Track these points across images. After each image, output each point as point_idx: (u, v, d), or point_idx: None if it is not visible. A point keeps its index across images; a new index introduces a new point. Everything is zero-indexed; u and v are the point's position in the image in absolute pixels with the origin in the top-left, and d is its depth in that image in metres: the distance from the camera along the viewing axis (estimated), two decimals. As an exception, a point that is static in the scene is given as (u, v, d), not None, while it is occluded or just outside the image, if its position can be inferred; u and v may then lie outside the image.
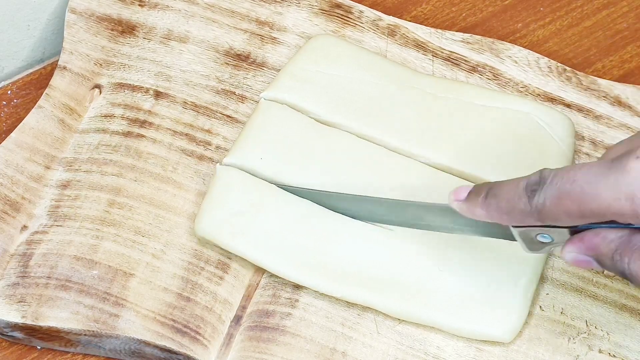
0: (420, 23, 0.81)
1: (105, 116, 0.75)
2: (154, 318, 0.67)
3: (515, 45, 0.78)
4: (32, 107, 0.76)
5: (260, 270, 0.69)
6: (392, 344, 0.66)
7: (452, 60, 0.77)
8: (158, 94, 0.76)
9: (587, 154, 0.73)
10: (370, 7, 0.79)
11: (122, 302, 0.68)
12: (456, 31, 0.80)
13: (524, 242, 0.60)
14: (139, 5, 0.79)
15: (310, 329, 0.67)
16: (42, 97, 0.75)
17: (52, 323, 0.67)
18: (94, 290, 0.68)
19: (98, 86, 0.76)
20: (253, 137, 0.71)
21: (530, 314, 0.67)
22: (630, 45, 0.81)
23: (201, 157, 0.73)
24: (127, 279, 0.69)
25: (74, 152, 0.74)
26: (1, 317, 0.67)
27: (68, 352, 0.70)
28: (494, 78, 0.76)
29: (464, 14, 0.82)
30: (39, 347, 0.70)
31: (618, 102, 0.75)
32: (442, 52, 0.77)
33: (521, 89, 0.76)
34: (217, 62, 0.77)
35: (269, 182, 0.70)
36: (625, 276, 0.56)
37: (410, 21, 0.80)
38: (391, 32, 0.78)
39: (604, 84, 0.76)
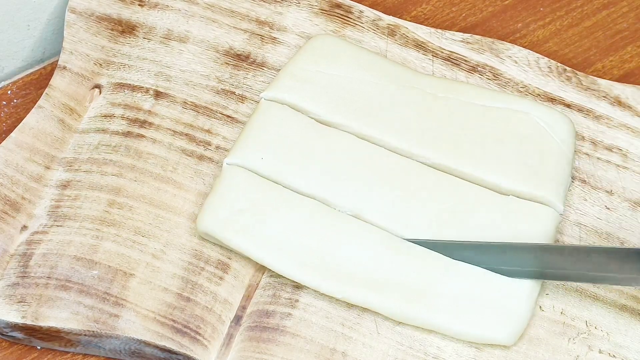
0: (420, 23, 0.81)
1: (105, 116, 0.75)
2: (154, 318, 0.67)
3: (515, 45, 0.78)
4: (32, 107, 0.76)
5: (260, 271, 0.69)
6: (392, 344, 0.66)
7: (452, 60, 0.77)
8: (158, 94, 0.76)
9: (587, 154, 0.73)
10: (370, 7, 0.79)
11: (122, 302, 0.68)
12: (456, 31, 0.80)
13: None
14: (139, 5, 0.79)
15: (310, 329, 0.67)
16: (42, 97, 0.75)
17: (52, 323, 0.67)
18: (94, 291, 0.68)
19: (98, 86, 0.76)
20: (253, 137, 0.71)
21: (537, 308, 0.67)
22: (630, 45, 0.81)
23: (201, 157, 0.73)
24: (127, 279, 0.69)
25: (74, 152, 0.74)
26: (1, 317, 0.67)
27: (68, 352, 0.70)
28: (494, 78, 0.76)
29: (464, 14, 0.82)
30: (39, 347, 0.70)
31: (618, 102, 0.75)
32: (442, 52, 0.77)
33: (521, 89, 0.76)
34: (217, 62, 0.77)
35: (274, 181, 0.70)
36: None
37: (410, 21, 0.80)
38: (391, 32, 0.78)
39: (604, 84, 0.76)
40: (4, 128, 0.78)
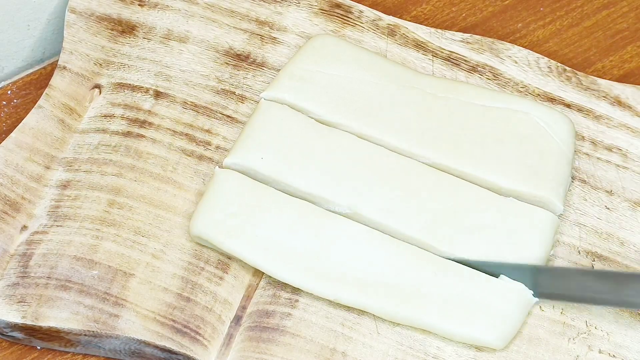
0: (420, 23, 0.81)
1: (105, 116, 0.75)
2: (154, 318, 0.67)
3: (515, 45, 0.78)
4: (32, 107, 0.76)
5: (260, 271, 0.69)
6: (392, 344, 0.66)
7: (452, 60, 0.77)
8: (158, 94, 0.76)
9: (587, 154, 0.73)
10: (370, 7, 0.79)
11: (122, 302, 0.68)
12: (456, 31, 0.80)
13: None
14: (139, 5, 0.79)
15: (310, 329, 0.67)
16: (42, 97, 0.75)
17: (52, 323, 0.67)
18: (94, 291, 0.68)
19: (98, 86, 0.76)
20: (253, 137, 0.71)
21: (529, 313, 0.67)
22: (630, 45, 0.81)
23: (201, 157, 0.73)
24: (127, 279, 0.69)
25: (74, 152, 0.73)
26: (1, 317, 0.67)
27: (68, 352, 0.70)
28: (494, 78, 0.76)
29: (464, 14, 0.82)
30: (39, 347, 0.70)
31: (618, 102, 0.75)
32: (442, 52, 0.77)
33: (521, 89, 0.76)
34: (217, 62, 0.77)
35: (270, 181, 0.70)
36: None
37: (410, 21, 0.80)
38: (391, 32, 0.78)
39: (604, 84, 0.76)
40: (4, 128, 0.78)
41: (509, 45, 0.78)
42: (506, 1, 0.83)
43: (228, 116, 0.75)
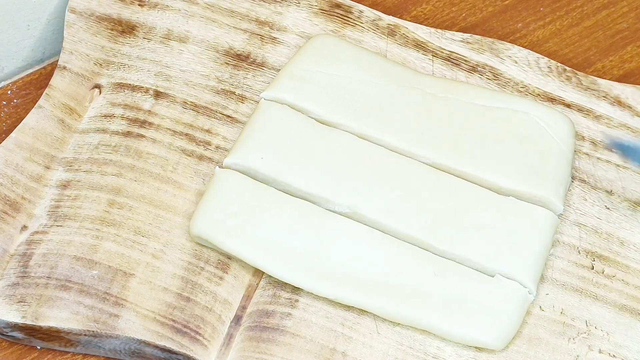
0: (420, 23, 0.81)
1: (105, 116, 0.75)
2: (154, 318, 0.67)
3: (515, 45, 0.78)
4: (32, 107, 0.76)
5: (260, 271, 0.69)
6: (392, 344, 0.66)
7: (452, 60, 0.77)
8: (158, 94, 0.76)
9: (587, 153, 0.73)
10: (370, 7, 0.79)
11: (122, 302, 0.68)
12: (456, 31, 0.80)
13: None
14: (139, 5, 0.79)
15: (310, 329, 0.67)
16: (42, 97, 0.75)
17: (52, 323, 0.67)
18: (93, 291, 0.68)
19: (98, 86, 0.76)
20: (253, 137, 0.71)
21: (529, 313, 0.67)
22: (630, 45, 0.81)
23: (201, 157, 0.73)
24: (127, 279, 0.69)
25: (74, 152, 0.74)
26: (1, 317, 0.67)
27: (68, 352, 0.70)
28: (494, 78, 0.76)
29: (464, 14, 0.82)
30: (39, 347, 0.70)
31: (618, 102, 0.75)
32: (442, 52, 0.77)
33: (521, 89, 0.76)
34: (217, 62, 0.77)
35: (270, 181, 0.70)
36: None
37: (410, 21, 0.80)
38: (391, 32, 0.78)
39: (604, 84, 0.76)
40: (4, 128, 0.78)
41: (509, 45, 0.78)
42: (506, 1, 0.83)
43: (228, 116, 0.75)
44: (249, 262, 0.67)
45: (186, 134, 0.74)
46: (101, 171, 0.73)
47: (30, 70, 0.81)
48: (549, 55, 0.79)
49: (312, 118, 0.72)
